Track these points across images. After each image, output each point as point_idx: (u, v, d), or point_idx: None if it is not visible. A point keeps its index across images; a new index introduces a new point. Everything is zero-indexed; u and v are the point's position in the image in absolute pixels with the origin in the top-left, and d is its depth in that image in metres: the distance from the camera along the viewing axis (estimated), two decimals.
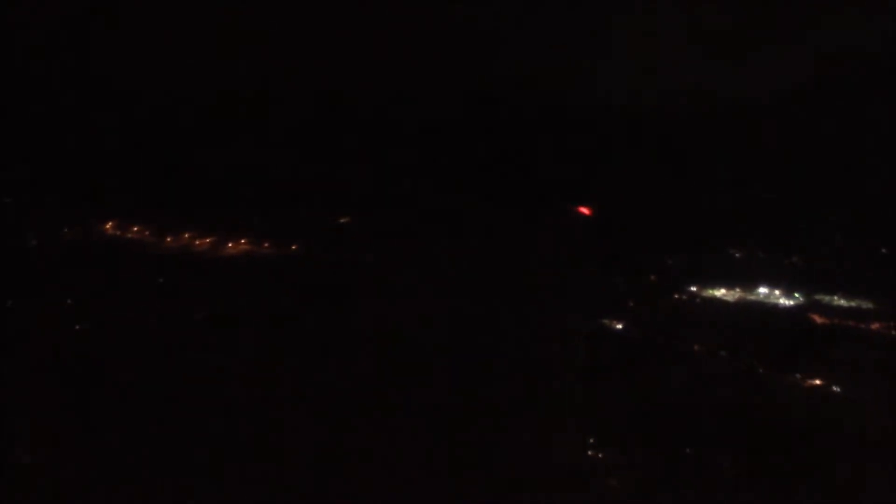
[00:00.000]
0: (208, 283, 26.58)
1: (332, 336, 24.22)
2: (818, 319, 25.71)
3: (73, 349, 23.29)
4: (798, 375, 21.82)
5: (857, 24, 28.26)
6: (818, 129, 29.83)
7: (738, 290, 27.50)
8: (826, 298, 26.86)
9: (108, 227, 29.09)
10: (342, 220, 30.73)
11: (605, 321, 25.37)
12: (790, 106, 29.83)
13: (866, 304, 26.47)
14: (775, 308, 26.59)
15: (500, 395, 21.43)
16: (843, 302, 26.66)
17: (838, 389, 21.24)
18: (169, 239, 28.70)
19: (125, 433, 20.35)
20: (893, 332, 24.68)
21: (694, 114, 29.81)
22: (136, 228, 28.95)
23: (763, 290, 27.39)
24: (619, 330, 25.04)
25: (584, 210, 29.00)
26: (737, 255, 29.19)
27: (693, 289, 27.47)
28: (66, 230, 28.00)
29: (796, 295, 27.03)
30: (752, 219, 29.80)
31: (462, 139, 31.34)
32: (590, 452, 19.01)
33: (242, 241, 29.15)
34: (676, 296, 26.67)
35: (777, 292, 27.23)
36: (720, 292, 27.51)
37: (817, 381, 21.53)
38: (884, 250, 28.59)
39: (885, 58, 28.23)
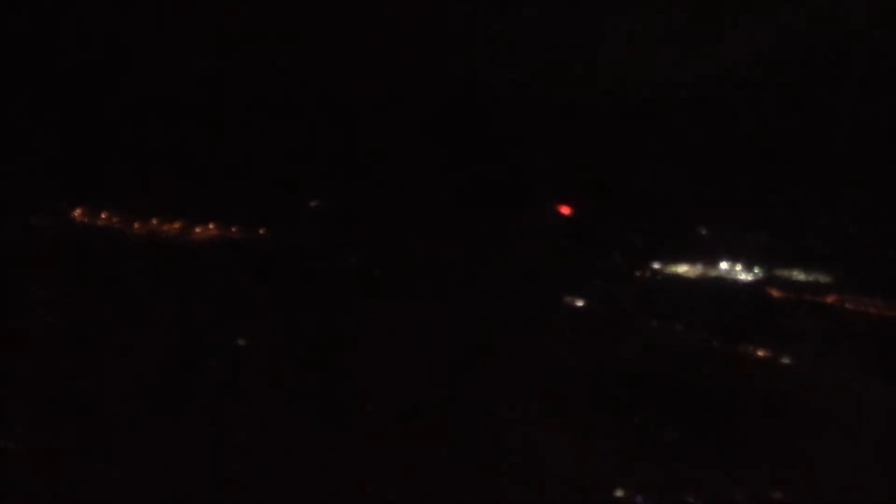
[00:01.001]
0: (175, 268, 27.04)
1: (301, 321, 24.84)
2: (775, 293, 26.76)
3: (42, 337, 23.91)
4: (750, 347, 22.88)
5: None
6: (782, 110, 30.70)
7: (699, 266, 28.52)
8: (785, 273, 27.91)
9: (77, 213, 29.65)
10: (313, 204, 31.29)
11: (568, 299, 26.24)
12: (752, 87, 30.70)
13: (824, 278, 27.49)
14: (734, 283, 27.62)
15: (472, 377, 22.12)
16: (801, 276, 27.70)
17: (787, 361, 22.32)
18: (137, 225, 29.25)
19: (95, 424, 20.82)
20: (847, 305, 25.70)
21: (656, 97, 30.62)
22: (104, 215, 29.45)
23: (724, 265, 28.40)
24: (579, 307, 25.94)
25: (564, 209, 29.69)
26: (702, 232, 30.09)
27: (656, 266, 28.44)
28: (33, 217, 28.60)
29: (756, 270, 28.05)
30: (718, 197, 30.57)
31: (433, 130, 31.78)
32: (545, 423, 19.91)
33: (210, 225, 29.69)
34: (638, 273, 27.57)
35: (738, 268, 28.22)
36: (682, 269, 28.53)
37: (767, 353, 22.57)
38: (849, 228, 29.60)
39: (848, 40, 29.13)
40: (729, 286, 27.54)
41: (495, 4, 31.44)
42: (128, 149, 29.66)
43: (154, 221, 29.55)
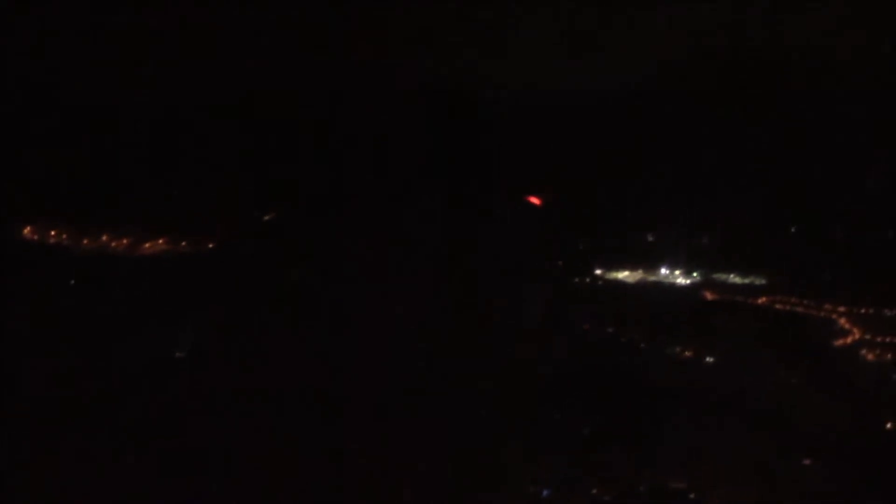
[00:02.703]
0: (124, 283, 27.91)
1: (252, 334, 25.70)
2: (709, 296, 28.46)
3: None
4: (677, 348, 24.46)
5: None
6: (718, 113, 32.34)
7: (640, 271, 30.12)
8: (722, 276, 29.61)
9: (26, 231, 30.52)
10: (266, 218, 32.29)
11: (509, 306, 27.60)
12: (686, 91, 32.36)
13: (759, 281, 29.20)
14: (672, 286, 29.25)
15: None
16: (737, 280, 29.36)
17: (711, 360, 23.91)
18: (86, 241, 30.15)
19: (42, 441, 21.22)
20: (776, 306, 27.38)
21: (593, 104, 32.20)
22: (53, 232, 30.31)
23: (664, 270, 30.02)
24: (520, 312, 27.33)
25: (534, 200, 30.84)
26: (649, 238, 31.70)
27: (598, 272, 30.01)
28: None
29: (694, 274, 29.69)
30: (666, 204, 32.03)
31: (383, 136, 32.79)
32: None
33: (160, 240, 30.62)
34: (577, 279, 29.10)
35: (677, 272, 29.84)
36: (623, 274, 30.15)
37: (692, 352, 24.19)
38: (792, 229, 31.26)
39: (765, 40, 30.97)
40: (666, 289, 29.20)
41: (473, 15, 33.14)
42: (75, 166, 30.46)
43: (104, 237, 30.51)
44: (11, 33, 30.25)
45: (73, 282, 28.58)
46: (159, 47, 32.24)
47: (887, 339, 25.22)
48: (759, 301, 28.00)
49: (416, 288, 27.01)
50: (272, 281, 28.45)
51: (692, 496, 18.82)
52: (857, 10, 31.04)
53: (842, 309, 27.00)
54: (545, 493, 18.82)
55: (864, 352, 24.87)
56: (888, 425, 21.48)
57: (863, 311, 26.77)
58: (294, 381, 23.60)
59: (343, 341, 24.94)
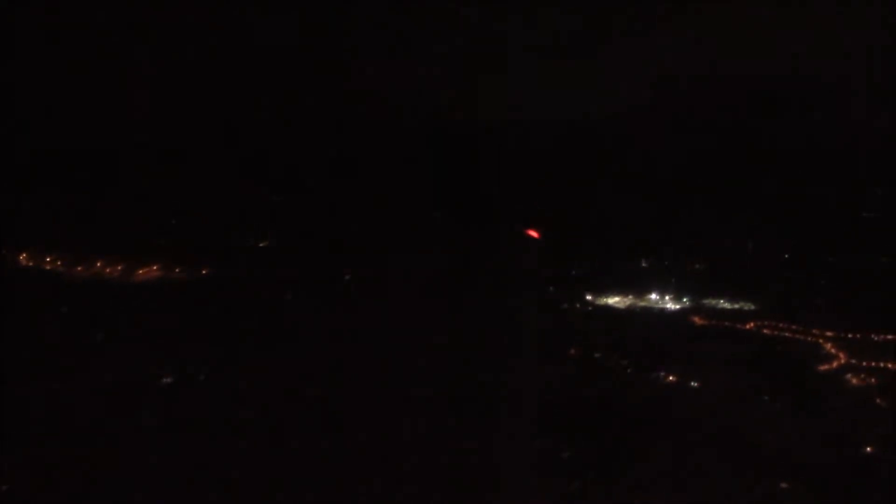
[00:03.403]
0: (117, 309, 28.34)
1: (248, 357, 26.16)
2: (698, 321, 28.87)
3: None
4: (662, 372, 24.85)
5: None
6: (705, 138, 32.92)
7: (630, 297, 30.58)
8: (711, 302, 30.06)
9: (22, 257, 31.08)
10: (261, 245, 32.82)
11: (500, 331, 28.01)
12: (678, 118, 32.98)
13: (748, 306, 29.63)
14: (661, 312, 29.68)
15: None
16: (726, 305, 29.80)
17: (695, 384, 24.31)
18: (80, 268, 30.69)
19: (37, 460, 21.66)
20: (764, 331, 27.77)
21: (585, 131, 32.85)
22: (49, 258, 30.86)
23: (654, 296, 30.49)
24: (509, 338, 27.73)
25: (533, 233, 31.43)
26: (642, 264, 32.20)
27: (588, 297, 30.46)
28: None
29: (684, 300, 30.13)
30: (656, 230, 32.56)
31: (378, 160, 33.39)
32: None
33: (154, 266, 31.12)
34: (566, 305, 29.55)
35: (666, 297, 30.30)
36: (613, 300, 30.59)
37: (676, 377, 24.58)
38: (784, 255, 31.74)
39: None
40: (655, 315, 29.63)
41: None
42: (71, 194, 31.21)
43: (98, 264, 31.02)
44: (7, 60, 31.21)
45: (67, 307, 29.12)
46: (158, 69, 33.09)
47: (872, 364, 25.60)
48: (747, 326, 28.40)
49: (408, 314, 27.52)
50: (266, 307, 28.94)
51: None
52: (836, 33, 31.74)
53: (829, 334, 27.40)
54: None
55: (848, 376, 25.26)
56: (867, 449, 21.81)
57: (850, 335, 27.14)
58: (288, 406, 24.05)
59: (338, 367, 25.38)
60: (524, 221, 31.36)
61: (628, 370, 25.39)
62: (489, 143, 32.90)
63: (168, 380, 25.84)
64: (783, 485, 20.02)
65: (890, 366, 25.41)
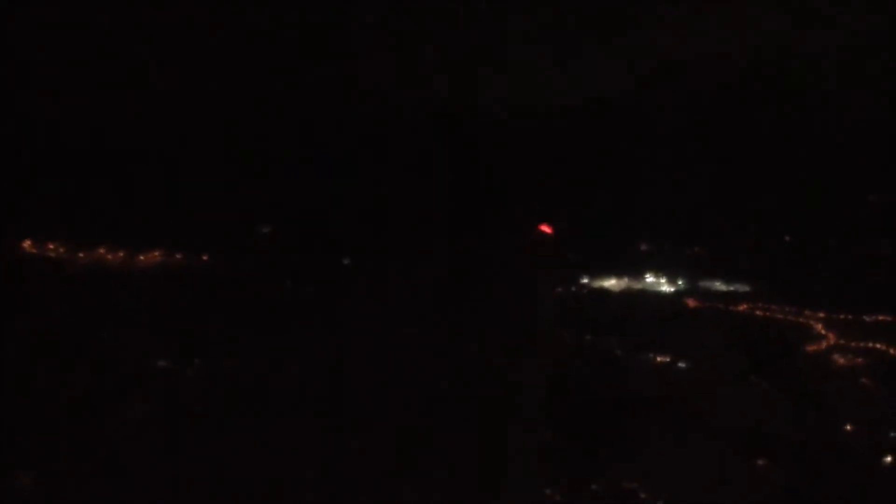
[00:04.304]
0: (120, 296, 28.91)
1: (247, 347, 26.72)
2: (691, 304, 29.33)
3: None
4: (651, 354, 25.36)
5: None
6: (700, 121, 33.21)
7: (626, 280, 31.00)
8: (706, 284, 30.47)
9: (26, 244, 31.68)
10: (264, 231, 33.22)
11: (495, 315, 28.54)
12: (673, 104, 33.29)
13: (743, 289, 30.02)
14: (656, 295, 30.13)
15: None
16: (721, 287, 30.22)
17: (683, 365, 24.82)
18: (82, 254, 31.26)
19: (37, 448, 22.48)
20: (756, 312, 28.19)
21: (582, 116, 33.19)
22: (51, 245, 31.43)
23: (650, 279, 30.91)
24: (504, 321, 28.25)
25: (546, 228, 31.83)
26: (641, 248, 32.55)
27: (584, 281, 30.90)
28: None
29: (679, 283, 30.55)
30: (653, 214, 32.86)
31: (383, 148, 33.69)
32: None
33: (155, 253, 31.64)
34: (561, 289, 30.01)
35: (662, 281, 30.71)
36: (609, 283, 31.03)
37: (665, 359, 25.09)
38: (786, 238, 32.07)
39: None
40: (651, 298, 30.09)
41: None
42: (72, 180, 31.43)
43: (100, 250, 31.59)
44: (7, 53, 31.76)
45: (69, 294, 29.67)
46: (159, 60, 33.53)
47: (861, 345, 26.03)
48: (740, 308, 28.84)
49: (407, 301, 27.98)
50: (268, 293, 29.54)
51: (643, 496, 19.74)
52: (839, 18, 32.00)
53: (821, 315, 27.85)
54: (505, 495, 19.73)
55: (835, 356, 25.70)
56: (847, 427, 22.29)
57: (841, 316, 27.55)
58: (290, 392, 24.70)
59: (339, 353, 25.91)
60: (535, 215, 31.89)
61: (618, 352, 25.91)
62: (486, 131, 33.18)
63: (168, 366, 26.45)
64: (760, 462, 20.61)
65: (878, 346, 25.87)
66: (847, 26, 32.12)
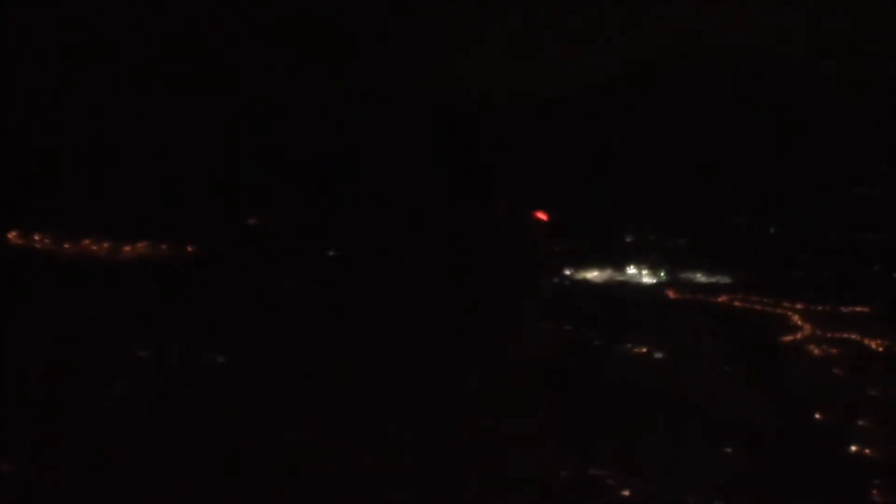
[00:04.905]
0: (104, 287, 29.17)
1: (234, 339, 26.85)
2: (672, 294, 29.73)
3: None
4: (628, 344, 25.79)
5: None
6: (684, 115, 33.55)
7: (608, 271, 31.38)
8: (688, 276, 30.86)
9: (11, 235, 31.98)
10: (250, 222, 33.46)
11: (477, 305, 28.88)
12: (656, 95, 33.67)
13: (724, 280, 30.42)
14: (637, 286, 30.50)
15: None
16: (702, 279, 30.59)
17: (660, 355, 25.24)
18: (67, 245, 31.55)
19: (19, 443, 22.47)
20: (735, 303, 28.59)
21: (565, 108, 33.52)
22: (37, 237, 31.72)
23: (632, 270, 31.28)
24: (486, 311, 28.59)
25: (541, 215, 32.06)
26: (626, 239, 32.92)
27: (567, 272, 31.27)
28: None
29: (661, 274, 30.93)
30: (640, 205, 33.18)
31: (367, 141, 33.90)
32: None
33: (140, 244, 31.91)
34: (543, 279, 30.38)
35: (645, 272, 31.09)
36: (592, 274, 31.40)
37: (642, 349, 25.51)
38: (771, 230, 32.40)
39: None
40: (632, 288, 30.47)
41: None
42: (57, 171, 31.56)
43: (85, 241, 31.86)
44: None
45: (55, 284, 29.92)
46: (141, 52, 33.68)
47: (836, 335, 26.46)
48: (720, 299, 29.25)
49: (396, 292, 28.25)
50: (255, 285, 29.70)
51: (610, 482, 20.16)
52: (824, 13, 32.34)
53: (799, 306, 28.27)
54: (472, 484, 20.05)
55: (810, 347, 26.14)
56: (817, 416, 22.72)
57: (819, 308, 27.97)
58: (277, 385, 24.87)
59: (328, 345, 26.12)
60: (529, 202, 32.19)
61: (596, 342, 26.33)
62: (471, 121, 33.36)
63: (152, 358, 26.60)
64: (728, 449, 21.05)
65: (853, 337, 26.30)
66: (825, 22, 32.56)
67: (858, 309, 27.65)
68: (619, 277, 31.45)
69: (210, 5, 33.88)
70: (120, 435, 22.88)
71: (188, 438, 22.62)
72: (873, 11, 32.52)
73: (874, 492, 20.04)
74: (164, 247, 31.86)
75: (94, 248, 31.73)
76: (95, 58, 32.96)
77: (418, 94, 33.41)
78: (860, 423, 22.25)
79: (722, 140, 33.46)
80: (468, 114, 33.22)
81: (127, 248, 31.84)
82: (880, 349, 25.64)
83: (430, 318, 26.88)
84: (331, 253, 31.68)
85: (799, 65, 33.18)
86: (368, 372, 25.03)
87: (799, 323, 27.36)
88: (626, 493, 20.01)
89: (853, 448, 21.66)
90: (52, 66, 32.84)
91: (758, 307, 28.64)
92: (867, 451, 21.40)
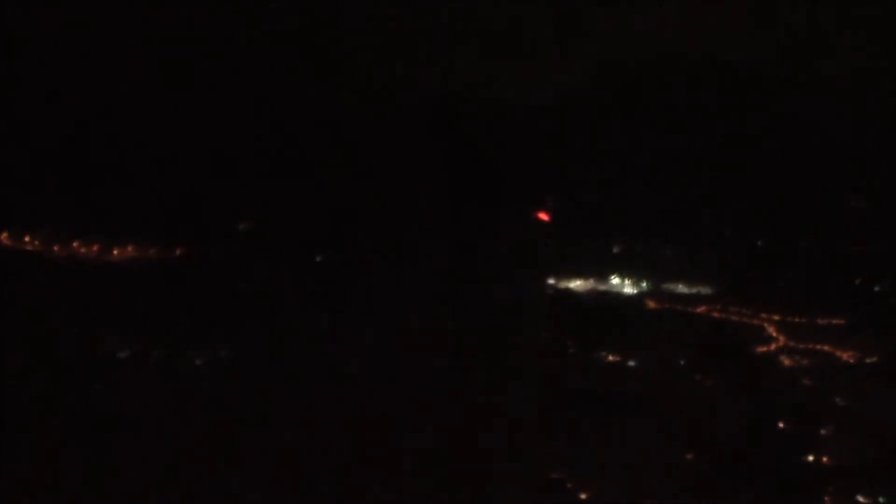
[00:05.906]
0: (91, 290, 29.62)
1: (224, 342, 27.38)
2: (651, 304, 30.24)
3: None
4: (603, 353, 26.36)
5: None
6: (671, 125, 34.00)
7: (591, 281, 31.87)
8: (670, 286, 31.34)
9: (2, 237, 32.53)
10: (241, 227, 33.91)
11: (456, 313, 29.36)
12: (640, 104, 34.11)
13: (705, 291, 30.93)
14: (618, 296, 31.01)
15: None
16: (684, 289, 31.09)
17: (632, 364, 25.83)
18: (57, 247, 32.13)
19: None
20: (714, 314, 29.14)
21: (551, 115, 33.99)
22: (26, 238, 32.31)
23: (615, 280, 31.76)
24: (464, 320, 29.08)
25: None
26: (613, 250, 33.37)
27: (550, 282, 31.77)
28: None
29: (643, 284, 31.42)
30: (626, 215, 33.60)
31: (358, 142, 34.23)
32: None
33: (129, 247, 32.46)
34: (522, 288, 30.80)
35: (627, 282, 31.58)
36: (575, 284, 31.89)
37: (616, 357, 26.11)
38: (758, 242, 32.83)
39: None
40: (612, 298, 30.98)
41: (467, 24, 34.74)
42: (46, 173, 31.66)
43: (74, 244, 32.42)
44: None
45: (45, 286, 30.48)
46: (133, 53, 33.99)
47: (809, 346, 27.01)
48: (698, 310, 29.79)
49: (390, 297, 28.63)
50: (244, 290, 29.96)
51: (569, 485, 20.72)
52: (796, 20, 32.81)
53: (776, 318, 28.83)
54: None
55: (781, 357, 26.70)
56: (781, 424, 23.29)
57: (796, 319, 28.50)
58: (268, 387, 25.37)
59: (320, 347, 26.49)
60: (530, 203, 32.58)
61: (571, 351, 26.91)
62: (466, 125, 33.68)
63: (144, 361, 27.22)
64: (688, 456, 21.62)
65: (825, 348, 26.86)
66: (816, 28, 33.00)
67: (835, 321, 28.18)
68: (602, 287, 31.93)
69: (203, 4, 34.16)
70: (110, 438, 23.44)
71: (181, 442, 23.21)
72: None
73: (826, 498, 20.63)
74: (151, 251, 32.25)
75: (84, 250, 32.19)
76: (83, 59, 33.21)
77: (418, 95, 33.77)
78: (822, 431, 22.88)
79: (706, 151, 33.88)
80: (468, 114, 33.56)
81: (117, 250, 32.25)
82: (851, 360, 26.24)
83: (428, 320, 27.16)
84: (325, 255, 32.03)
85: (783, 79, 33.65)
86: (354, 374, 25.48)
87: (774, 334, 27.93)
88: (584, 496, 20.59)
89: (811, 456, 22.29)
90: (36, 68, 32.57)
91: (735, 318, 29.20)
92: (824, 458, 22.04)
